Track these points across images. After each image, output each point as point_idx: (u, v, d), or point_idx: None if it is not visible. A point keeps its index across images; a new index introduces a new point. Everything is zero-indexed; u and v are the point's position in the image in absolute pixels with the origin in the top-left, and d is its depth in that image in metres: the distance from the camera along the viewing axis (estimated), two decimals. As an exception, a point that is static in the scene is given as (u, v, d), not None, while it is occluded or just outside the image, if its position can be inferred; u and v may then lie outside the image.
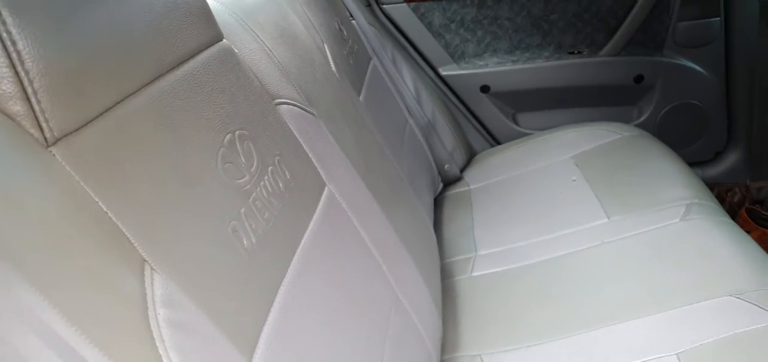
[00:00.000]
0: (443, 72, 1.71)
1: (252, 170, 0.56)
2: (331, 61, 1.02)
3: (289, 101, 0.73)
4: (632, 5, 1.58)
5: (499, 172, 1.52)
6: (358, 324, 0.64)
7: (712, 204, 1.13)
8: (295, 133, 0.70)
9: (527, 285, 1.05)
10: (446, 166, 1.55)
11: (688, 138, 1.73)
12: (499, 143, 1.77)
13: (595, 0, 1.60)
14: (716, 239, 1.00)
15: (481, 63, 1.71)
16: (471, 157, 1.69)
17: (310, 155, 0.71)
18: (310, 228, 0.63)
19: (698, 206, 1.11)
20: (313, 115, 0.78)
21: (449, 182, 1.58)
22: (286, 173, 0.63)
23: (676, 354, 0.78)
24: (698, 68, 1.64)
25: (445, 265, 1.21)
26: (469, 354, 0.92)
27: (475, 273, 1.14)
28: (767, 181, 1.72)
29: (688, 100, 1.68)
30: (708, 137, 1.73)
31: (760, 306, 0.81)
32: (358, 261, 0.71)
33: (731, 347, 0.77)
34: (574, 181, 1.33)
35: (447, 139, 1.58)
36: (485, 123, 1.77)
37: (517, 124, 1.79)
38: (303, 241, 0.61)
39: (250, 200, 0.53)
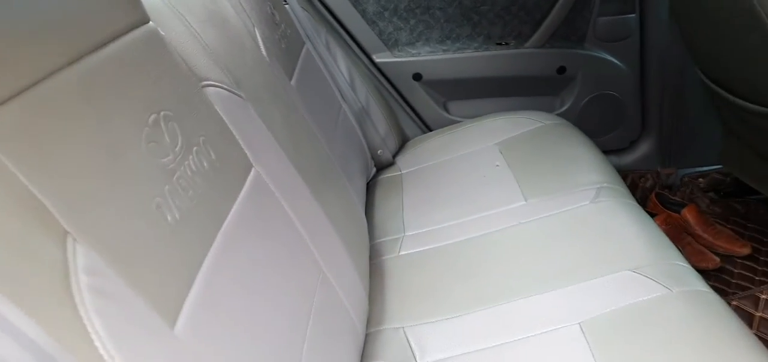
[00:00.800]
0: (377, 59, 1.75)
1: (176, 150, 0.58)
2: (261, 45, 1.04)
3: (216, 83, 0.75)
4: (556, 0, 1.66)
5: (429, 158, 1.58)
6: (284, 296, 0.68)
7: (621, 188, 1.23)
8: (222, 114, 0.73)
9: (450, 263, 1.11)
10: (379, 151, 1.60)
11: (606, 127, 1.84)
12: (430, 130, 1.83)
13: (523, -7, 1.68)
14: (621, 220, 1.09)
15: (414, 51, 1.76)
16: (404, 142, 1.74)
17: (237, 137, 0.74)
18: (235, 206, 0.66)
19: (607, 190, 1.20)
20: (241, 97, 0.80)
21: (382, 167, 1.63)
22: (211, 153, 0.65)
23: (579, 323, 0.86)
24: (616, 61, 1.75)
25: (375, 245, 1.26)
26: (393, 327, 0.97)
27: (402, 253, 1.20)
28: (675, 168, 1.86)
29: (607, 91, 1.79)
30: (624, 126, 1.85)
31: (654, 280, 0.90)
32: (284, 239, 0.74)
33: (627, 316, 0.85)
34: (498, 166, 1.41)
35: (380, 125, 1.62)
36: (417, 110, 1.82)
37: (447, 111, 1.85)
38: (228, 219, 0.64)
39: (174, 178, 0.56)
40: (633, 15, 1.69)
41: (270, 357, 0.58)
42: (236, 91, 0.79)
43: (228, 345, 0.53)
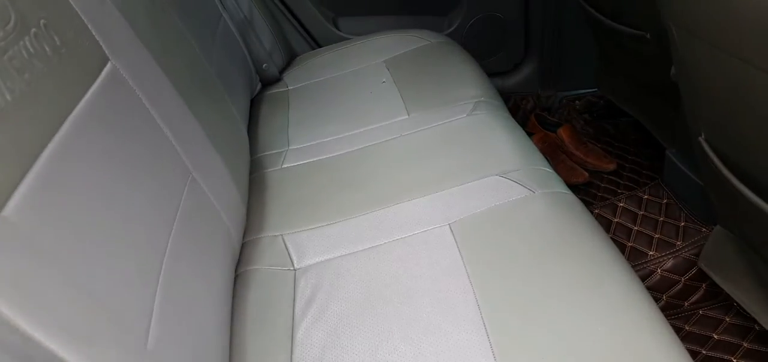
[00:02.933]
0: (262, -31, 1.68)
1: (8, 28, 0.52)
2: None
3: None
4: None
5: (317, 74, 1.55)
6: (142, 197, 0.65)
7: (496, 102, 1.27)
8: (72, 3, 0.66)
9: (332, 174, 1.11)
10: (264, 65, 1.55)
11: (491, 49, 1.89)
12: (319, 46, 1.80)
13: None
14: (494, 131, 1.13)
15: (301, -38, 1.70)
16: (292, 58, 1.70)
17: (91, 27, 0.68)
18: (85, 98, 0.61)
19: (484, 104, 1.24)
20: (97, -12, 0.74)
21: (268, 82, 1.58)
22: (56, 39, 0.60)
23: (449, 223, 0.89)
24: (501, -16, 1.79)
25: (257, 159, 1.23)
26: (272, 235, 0.97)
27: (285, 165, 1.18)
28: (554, 91, 1.96)
29: (493, 12, 1.83)
30: (508, 49, 1.91)
31: (519, 183, 0.95)
32: (144, 138, 0.71)
33: (493, 215, 0.90)
34: (384, 82, 1.41)
35: (266, 39, 1.57)
36: (306, 25, 1.78)
37: (337, 28, 1.82)
38: (77, 109, 0.59)
39: (5, 57, 0.51)
40: (518, -66, 1.72)
41: (122, 251, 0.56)
42: (90, -19, 0.73)
43: (71, 233, 0.50)
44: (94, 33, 0.69)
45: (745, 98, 0.72)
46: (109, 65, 0.69)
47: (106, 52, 0.70)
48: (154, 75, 0.79)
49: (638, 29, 1.33)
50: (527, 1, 1.83)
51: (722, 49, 0.72)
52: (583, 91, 1.96)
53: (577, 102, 1.96)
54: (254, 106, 1.49)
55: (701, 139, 0.93)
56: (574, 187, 1.62)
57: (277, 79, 1.58)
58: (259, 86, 1.56)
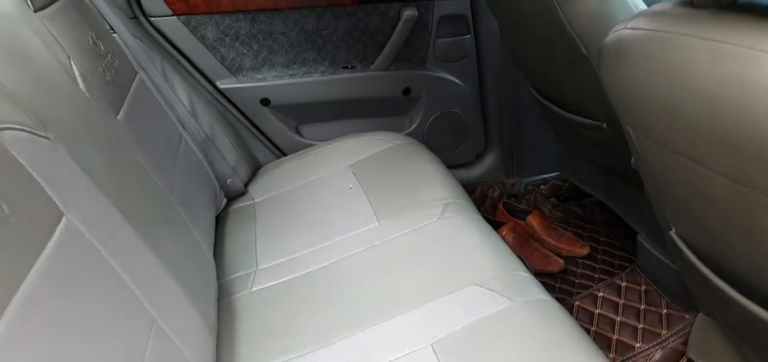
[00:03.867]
0: (221, 85, 1.68)
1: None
2: (79, 78, 0.94)
3: (14, 126, 0.66)
4: (396, 23, 1.71)
5: (282, 184, 1.53)
6: (103, 356, 0.60)
7: (465, 203, 1.27)
8: (21, 161, 0.63)
9: (303, 295, 1.07)
10: (229, 181, 1.52)
11: (453, 143, 1.92)
12: (284, 154, 1.79)
13: (364, 18, 1.70)
14: (465, 235, 1.12)
15: (260, 76, 1.71)
16: (256, 169, 1.68)
17: (43, 184, 0.65)
18: (39, 263, 0.58)
19: (453, 205, 1.23)
20: (49, 139, 0.71)
21: (233, 197, 1.55)
22: (4, 208, 0.56)
23: (431, 344, 0.86)
24: (457, 80, 1.83)
25: (225, 284, 1.19)
26: (243, 372, 0.91)
27: (254, 288, 1.14)
28: (519, 177, 1.98)
29: (451, 109, 1.86)
30: (469, 141, 1.94)
31: (498, 293, 0.93)
32: (103, 292, 0.66)
33: (475, 331, 0.87)
34: (351, 188, 1.40)
35: (229, 153, 1.55)
36: (269, 135, 1.78)
37: (300, 135, 1.82)
38: (29, 278, 0.55)
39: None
40: (468, 36, 1.78)
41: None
42: (41, 133, 0.70)
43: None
44: (46, 189, 0.65)
45: (707, 196, 0.73)
46: (63, 221, 0.66)
47: (60, 207, 0.66)
48: (111, 221, 0.76)
49: (593, 119, 1.36)
50: (482, 95, 1.88)
51: (678, 152, 0.73)
52: (547, 175, 1.99)
53: (542, 187, 1.98)
54: (220, 222, 1.45)
55: (672, 233, 0.93)
56: (550, 276, 1.61)
57: (242, 193, 1.56)
58: (224, 201, 1.53)
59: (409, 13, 1.70)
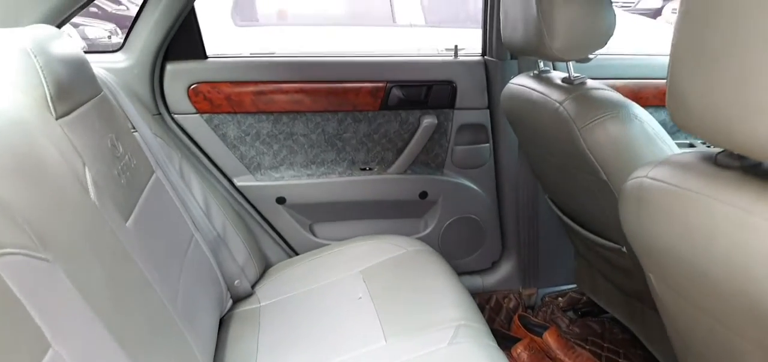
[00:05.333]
0: (238, 182, 1.68)
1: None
2: (90, 186, 0.94)
3: (11, 250, 0.65)
4: (415, 130, 1.71)
5: (291, 287, 1.50)
6: None
7: (478, 325, 1.22)
8: (13, 288, 0.62)
9: (303, 419, 1.02)
10: (236, 282, 1.50)
11: (469, 248, 1.88)
12: (296, 253, 1.76)
13: (384, 123, 1.71)
14: (477, 364, 1.07)
15: (278, 175, 1.72)
16: (266, 268, 1.65)
17: (33, 312, 0.63)
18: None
19: (465, 328, 1.18)
20: (47, 260, 0.70)
21: (240, 298, 1.52)
22: (-14, 347, 0.54)
23: None
24: (474, 186, 1.81)
25: (222, 399, 1.14)
26: None
27: (252, 407, 1.09)
28: (535, 288, 1.92)
29: (467, 215, 1.83)
30: (485, 248, 1.90)
31: None
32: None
33: None
34: (360, 298, 1.36)
35: (239, 253, 1.53)
36: (282, 233, 1.76)
37: (314, 234, 1.80)
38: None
39: None
40: (487, 145, 1.77)
41: None
42: (39, 255, 0.69)
43: None
44: (36, 319, 0.63)
45: (736, 359, 0.68)
46: (50, 352, 0.63)
47: (48, 337, 0.64)
48: (103, 348, 0.73)
49: (613, 242, 1.32)
50: (500, 202, 1.85)
51: (703, 311, 0.68)
52: (564, 287, 1.93)
53: (560, 299, 1.91)
54: (223, 327, 1.41)
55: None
56: (565, 401, 1.53)
57: (249, 294, 1.53)
58: (229, 303, 1.50)
59: (429, 120, 1.70)
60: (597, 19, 1.12)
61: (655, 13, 7.76)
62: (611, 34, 1.15)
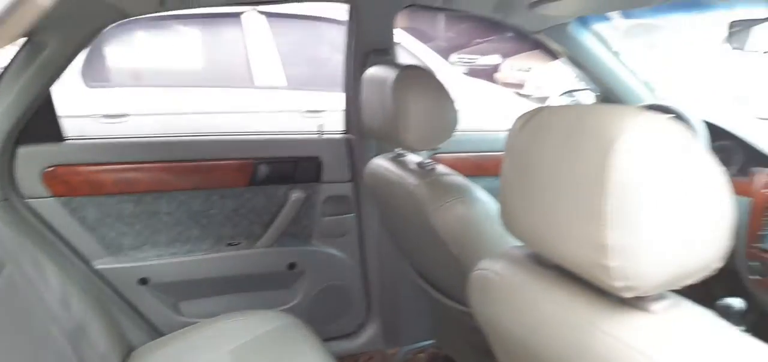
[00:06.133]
0: (98, 265, 1.63)
1: None
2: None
3: None
4: (284, 204, 1.78)
5: (156, 372, 1.47)
6: None
7: None
8: None
9: None
10: (97, 372, 1.44)
11: (336, 314, 1.96)
12: (161, 334, 1.72)
13: (251, 198, 1.75)
14: None
15: (141, 255, 1.68)
16: (129, 352, 1.60)
17: None
18: None
19: None
20: None
21: (101, 388, 1.46)
22: None
23: None
24: (341, 254, 1.91)
25: None
26: None
27: None
28: (398, 347, 2.04)
29: (335, 282, 1.92)
30: (352, 312, 1.99)
31: None
32: None
33: None
34: None
35: (100, 341, 1.47)
36: (145, 314, 1.72)
37: (179, 313, 1.78)
38: None
39: None
40: (352, 215, 1.88)
41: None
42: None
43: None
44: None
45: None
46: None
47: None
48: None
49: (464, 305, 1.47)
50: (364, 268, 1.97)
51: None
52: (425, 343, 2.06)
53: (421, 355, 2.05)
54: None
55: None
56: None
57: (112, 383, 1.47)
58: (90, 395, 1.43)
59: (296, 194, 1.78)
60: (443, 116, 1.29)
61: (494, 69, 8.58)
62: (455, 128, 1.31)
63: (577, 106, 0.87)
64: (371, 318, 2.02)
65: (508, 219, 0.80)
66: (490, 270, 0.88)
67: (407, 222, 1.48)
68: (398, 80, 1.28)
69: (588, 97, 2.07)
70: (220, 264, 1.75)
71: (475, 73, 7.54)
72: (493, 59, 8.61)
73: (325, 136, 1.85)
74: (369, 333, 2.03)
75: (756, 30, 1.44)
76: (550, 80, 6.08)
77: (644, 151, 0.58)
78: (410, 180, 1.37)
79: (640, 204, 0.58)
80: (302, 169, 1.80)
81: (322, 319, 1.74)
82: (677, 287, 0.64)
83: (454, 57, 8.72)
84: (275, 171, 1.77)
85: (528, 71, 7.42)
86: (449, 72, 4.42)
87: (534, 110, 0.75)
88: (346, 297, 1.95)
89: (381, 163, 1.54)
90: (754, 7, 1.57)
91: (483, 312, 0.92)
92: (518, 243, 0.87)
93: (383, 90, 1.32)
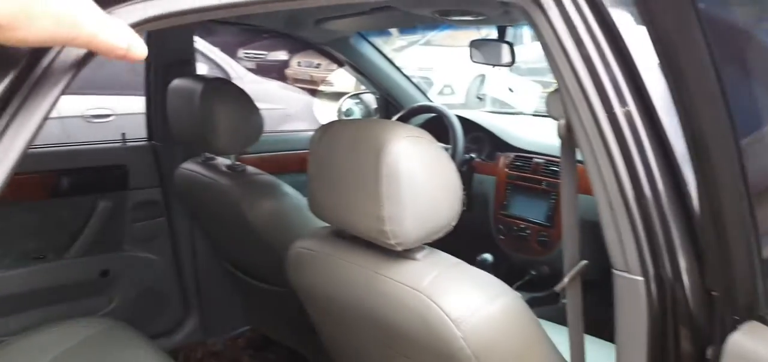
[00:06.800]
0: None
1: None
2: None
3: None
4: (91, 213, 1.81)
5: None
6: None
7: None
8: None
9: None
10: None
11: (154, 314, 2.04)
12: (-36, 358, 1.65)
13: (55, 211, 1.76)
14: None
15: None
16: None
17: None
18: None
19: None
20: None
21: None
22: None
23: None
24: (154, 257, 1.99)
25: None
26: None
27: None
28: (219, 336, 2.19)
29: (149, 285, 2.00)
30: (170, 311, 2.08)
31: None
32: None
33: None
34: None
35: None
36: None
37: (-15, 332, 1.72)
38: None
39: None
40: (162, 218, 1.98)
41: None
42: None
43: None
44: None
45: (360, 354, 1.10)
46: None
47: None
48: None
49: (279, 285, 1.69)
50: (178, 267, 2.07)
51: (348, 331, 1.09)
52: (243, 329, 2.23)
53: (239, 340, 2.22)
54: None
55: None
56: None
57: None
58: None
59: (104, 204, 1.82)
60: (249, 122, 1.48)
61: (283, 65, 8.77)
62: (261, 132, 1.51)
63: (359, 121, 1.14)
64: (189, 314, 2.13)
65: (315, 206, 1.05)
66: (303, 247, 1.12)
67: (222, 220, 1.65)
68: (205, 92, 1.43)
69: (371, 99, 2.41)
70: (27, 279, 1.73)
71: (264, 69, 7.66)
72: (280, 55, 8.76)
73: (129, 144, 1.91)
74: (188, 329, 2.13)
75: (492, 46, 1.87)
76: (341, 79, 6.49)
77: (403, 152, 0.87)
78: (223, 181, 1.54)
79: (402, 187, 0.86)
80: (109, 177, 1.85)
81: (140, 321, 1.81)
82: (431, 240, 0.94)
83: (241, 52, 8.70)
84: (80, 181, 1.79)
85: (318, 67, 7.75)
86: (238, 71, 4.55)
87: (328, 124, 1.01)
88: (162, 298, 2.04)
89: (191, 167, 1.68)
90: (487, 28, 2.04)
91: (299, 282, 1.15)
92: (323, 225, 1.12)
93: (191, 100, 1.46)
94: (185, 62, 1.91)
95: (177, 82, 1.56)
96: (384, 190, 0.87)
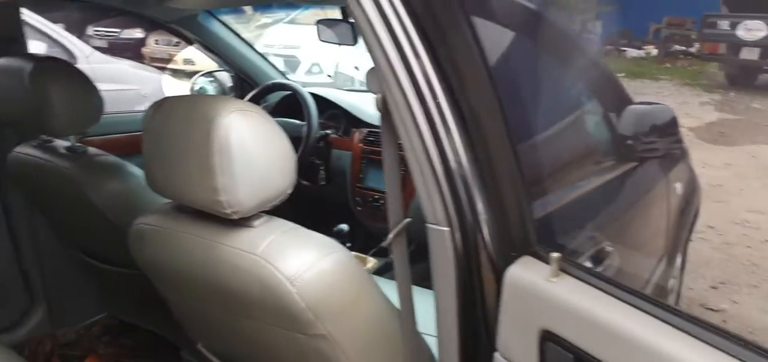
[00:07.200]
0: None
1: None
2: None
3: None
4: None
5: None
6: None
7: None
8: None
9: None
10: None
11: (-3, 308, 1.93)
12: None
13: None
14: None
15: None
16: None
17: None
18: None
19: None
20: None
21: None
22: None
23: None
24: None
25: None
26: None
27: None
28: (69, 327, 2.10)
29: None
30: (12, 304, 1.97)
31: None
32: None
33: None
34: None
35: None
36: None
37: None
38: None
39: None
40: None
41: None
42: None
43: None
44: None
45: (209, 322, 1.15)
46: None
47: None
48: None
49: (130, 267, 1.67)
50: (20, 258, 1.96)
51: (198, 301, 1.13)
52: (97, 317, 2.16)
53: (94, 329, 2.15)
54: None
55: (199, 346, 1.33)
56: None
57: None
58: None
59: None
60: (88, 102, 1.44)
61: (139, 44, 8.32)
62: (101, 112, 1.48)
63: (191, 96, 1.16)
64: (35, 305, 2.03)
65: (152, 181, 1.07)
66: (144, 223, 1.14)
67: (65, 205, 1.60)
68: (35, 71, 1.36)
69: (226, 77, 2.41)
70: None
71: (118, 48, 7.23)
72: (135, 33, 8.30)
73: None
74: (34, 320, 2.03)
75: (336, 26, 1.96)
76: (203, 57, 6.29)
77: (234, 124, 0.92)
78: (62, 164, 1.49)
79: (233, 157, 0.92)
80: None
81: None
82: (267, 208, 1.01)
83: (91, 30, 8.11)
84: None
85: (177, 45, 7.45)
86: (84, 50, 4.26)
87: (160, 100, 1.04)
88: (3, 290, 1.93)
89: (26, 150, 1.60)
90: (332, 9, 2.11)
91: (143, 258, 1.17)
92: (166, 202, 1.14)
93: (21, 80, 1.38)
94: (12, 40, 1.79)
95: (3, 61, 1.47)
96: (216, 162, 0.92)
